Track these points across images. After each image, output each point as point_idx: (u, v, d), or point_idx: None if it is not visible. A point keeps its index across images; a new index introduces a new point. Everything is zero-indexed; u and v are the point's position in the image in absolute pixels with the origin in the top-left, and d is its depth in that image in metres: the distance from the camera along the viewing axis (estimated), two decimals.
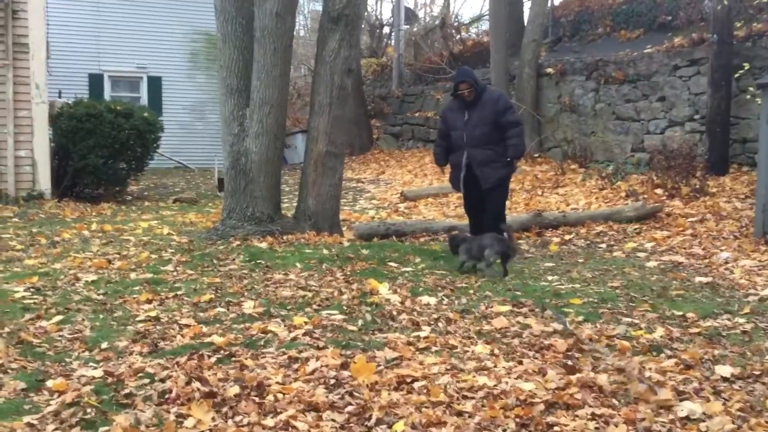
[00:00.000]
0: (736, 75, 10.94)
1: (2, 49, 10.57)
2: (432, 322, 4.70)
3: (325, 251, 7.00)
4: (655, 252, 7.33)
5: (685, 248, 7.38)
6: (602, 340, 4.29)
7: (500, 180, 6.95)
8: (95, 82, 18.52)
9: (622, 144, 12.97)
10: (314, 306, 5.07)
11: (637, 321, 4.77)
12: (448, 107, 7.30)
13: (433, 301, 5.24)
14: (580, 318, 4.81)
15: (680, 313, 4.94)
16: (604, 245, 7.83)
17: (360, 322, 4.68)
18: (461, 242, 6.53)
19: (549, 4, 16.56)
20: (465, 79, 6.91)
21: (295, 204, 8.91)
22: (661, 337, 4.39)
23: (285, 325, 4.56)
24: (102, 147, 11.35)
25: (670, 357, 4.01)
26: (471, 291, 5.62)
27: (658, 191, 10.07)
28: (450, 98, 7.30)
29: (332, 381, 3.57)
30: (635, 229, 8.43)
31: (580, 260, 7.06)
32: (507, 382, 3.55)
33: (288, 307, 5.03)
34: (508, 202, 10.57)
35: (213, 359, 3.89)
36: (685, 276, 6.22)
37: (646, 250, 7.44)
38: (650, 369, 3.76)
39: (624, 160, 12.69)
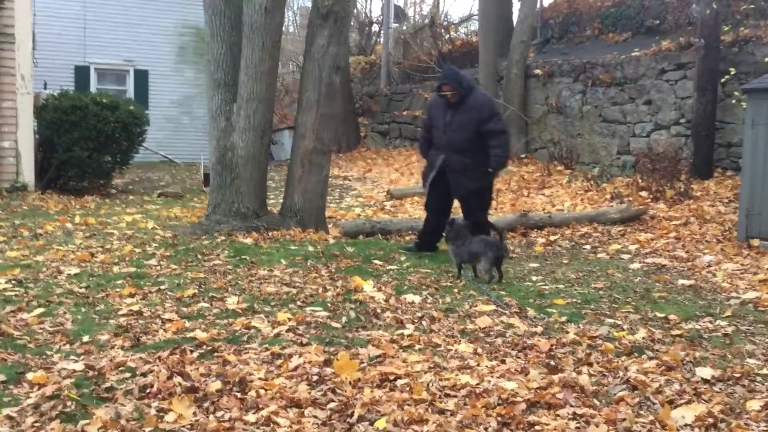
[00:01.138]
0: (722, 80, 11.03)
1: None
2: (416, 321, 4.70)
3: (311, 248, 6.98)
4: (638, 254, 7.37)
5: (668, 251, 7.43)
6: (584, 342, 4.30)
7: (473, 192, 6.77)
8: (81, 74, 18.37)
9: (608, 146, 13.03)
10: (298, 302, 5.06)
11: (619, 322, 4.80)
12: (433, 101, 7.14)
13: (417, 299, 5.23)
14: (564, 318, 4.82)
15: (663, 315, 4.97)
16: (588, 246, 7.86)
17: (344, 319, 4.67)
18: (453, 238, 6.22)
19: (538, 6, 16.60)
20: (448, 81, 6.71)
21: (281, 200, 8.88)
22: (643, 338, 4.41)
23: (268, 321, 4.55)
24: (87, 140, 11.27)
25: (651, 358, 4.03)
26: (455, 290, 5.62)
27: (643, 194, 10.14)
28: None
29: (315, 377, 3.56)
30: (620, 231, 8.48)
31: (565, 261, 7.08)
32: (489, 381, 3.56)
33: (272, 303, 5.01)
34: (493, 203, 10.60)
35: (195, 354, 3.87)
36: (668, 278, 6.26)
37: (630, 252, 7.48)
38: (632, 370, 3.78)
39: (610, 162, 12.76)
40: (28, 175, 10.90)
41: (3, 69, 10.59)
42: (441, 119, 6.80)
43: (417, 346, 4.14)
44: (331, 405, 3.24)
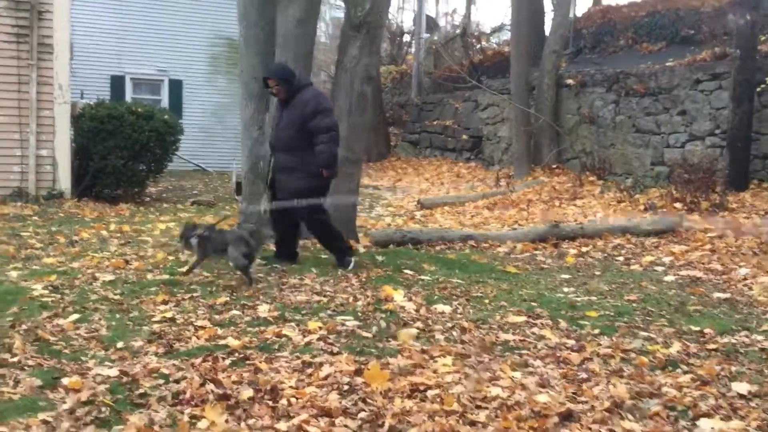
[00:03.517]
0: (759, 89, 10.86)
1: (27, 50, 10.69)
2: (446, 331, 4.69)
3: None
4: (673, 266, 7.26)
5: (703, 263, 7.31)
6: (617, 355, 4.25)
7: (298, 192, 6.33)
8: (117, 84, 18.68)
9: (642, 157, 12.89)
10: (329, 311, 5.07)
11: (653, 335, 4.73)
12: (276, 102, 6.76)
13: (447, 309, 5.22)
14: (596, 331, 4.77)
15: (697, 328, 4.89)
16: (621, 258, 7.77)
17: (374, 328, 4.68)
18: (191, 233, 5.87)
19: (571, 16, 16.52)
20: (270, 75, 6.41)
21: None
22: (677, 352, 4.35)
23: (299, 330, 4.57)
24: (122, 148, 11.43)
25: (686, 372, 3.97)
26: (486, 301, 5.59)
27: (677, 205, 10.00)
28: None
29: (346, 387, 3.57)
30: (653, 242, 8.36)
31: (597, 273, 7.01)
32: (521, 394, 3.53)
33: (303, 312, 5.03)
34: (525, 212, 10.52)
35: (227, 362, 3.90)
36: (703, 291, 6.15)
37: (664, 264, 7.37)
38: (666, 384, 3.73)
39: (643, 173, 12.62)
40: (64, 182, 11.08)
41: (41, 79, 10.80)
42: (276, 118, 6.57)
43: (447, 357, 4.13)
44: (362, 415, 3.25)
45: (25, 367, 3.73)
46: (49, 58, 10.85)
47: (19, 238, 7.70)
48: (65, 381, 3.51)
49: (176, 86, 19.32)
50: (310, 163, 6.31)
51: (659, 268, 7.20)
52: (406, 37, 27.04)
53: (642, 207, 10.24)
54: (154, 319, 4.71)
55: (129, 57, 18.66)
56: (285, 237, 6.72)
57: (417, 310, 5.15)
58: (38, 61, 10.75)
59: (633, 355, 4.27)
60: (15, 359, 3.81)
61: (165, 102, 18.81)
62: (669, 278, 6.71)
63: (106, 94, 17.19)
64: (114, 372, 3.64)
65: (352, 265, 6.51)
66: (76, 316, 4.69)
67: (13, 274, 5.92)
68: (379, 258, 7.07)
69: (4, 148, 10.67)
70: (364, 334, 4.56)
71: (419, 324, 4.81)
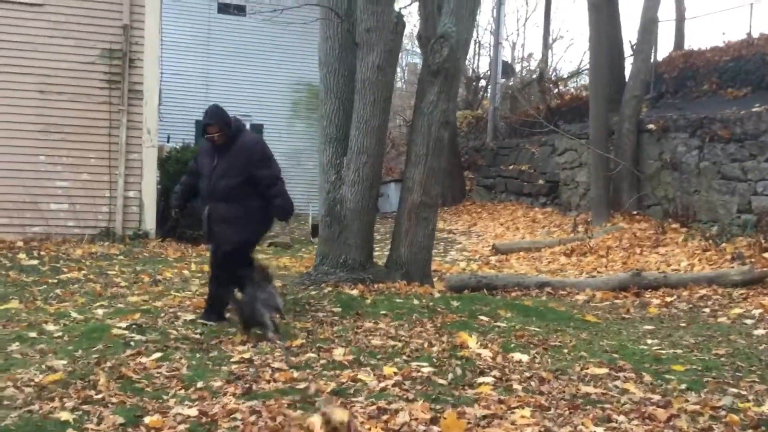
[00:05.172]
0: None
1: (118, 96, 11.22)
2: (524, 381, 4.58)
3: (416, 301, 6.96)
4: (763, 319, 6.92)
5: None
6: (705, 412, 4.05)
7: (243, 244, 6.02)
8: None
9: (728, 204, 12.44)
10: (404, 356, 5.03)
11: (744, 392, 4.49)
12: (203, 147, 6.37)
13: (525, 358, 5.10)
14: (683, 386, 4.57)
15: None
16: (707, 310, 7.46)
17: (450, 375, 4.61)
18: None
19: (652, 60, 16.26)
20: (212, 121, 5.97)
21: (385, 253, 8.94)
22: None
23: (374, 375, 4.54)
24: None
25: None
26: (565, 350, 5.45)
27: (767, 255, 9.57)
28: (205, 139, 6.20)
29: None
30: (741, 294, 8.00)
31: (682, 324, 6.74)
32: None
33: (378, 356, 5.01)
34: (603, 260, 10.26)
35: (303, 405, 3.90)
36: None
37: (754, 317, 7.04)
38: None
39: (729, 221, 12.15)
40: (149, 223, 11.47)
41: (131, 123, 11.30)
42: (208, 166, 6.05)
43: (526, 408, 4.02)
44: None
45: (109, 405, 3.82)
46: (138, 104, 11.36)
47: (105, 276, 7.99)
48: (147, 420, 3.58)
49: (257, 131, 19.89)
50: (252, 213, 5.94)
51: (748, 321, 6.88)
52: (482, 82, 27.15)
53: (729, 256, 9.84)
54: (232, 360, 4.78)
55: (213, 102, 19.35)
56: (223, 294, 6.04)
57: (493, 358, 5.06)
58: (128, 106, 11.27)
59: (723, 412, 4.06)
60: (99, 396, 3.93)
61: None
62: (759, 332, 6.39)
63: (191, 137, 17.84)
64: (194, 412, 3.70)
65: (208, 321, 5.93)
66: (158, 354, 4.81)
67: (99, 312, 6.14)
68: (454, 303, 7.00)
69: (94, 189, 11.16)
70: (440, 380, 4.50)
71: (496, 372, 4.71)
